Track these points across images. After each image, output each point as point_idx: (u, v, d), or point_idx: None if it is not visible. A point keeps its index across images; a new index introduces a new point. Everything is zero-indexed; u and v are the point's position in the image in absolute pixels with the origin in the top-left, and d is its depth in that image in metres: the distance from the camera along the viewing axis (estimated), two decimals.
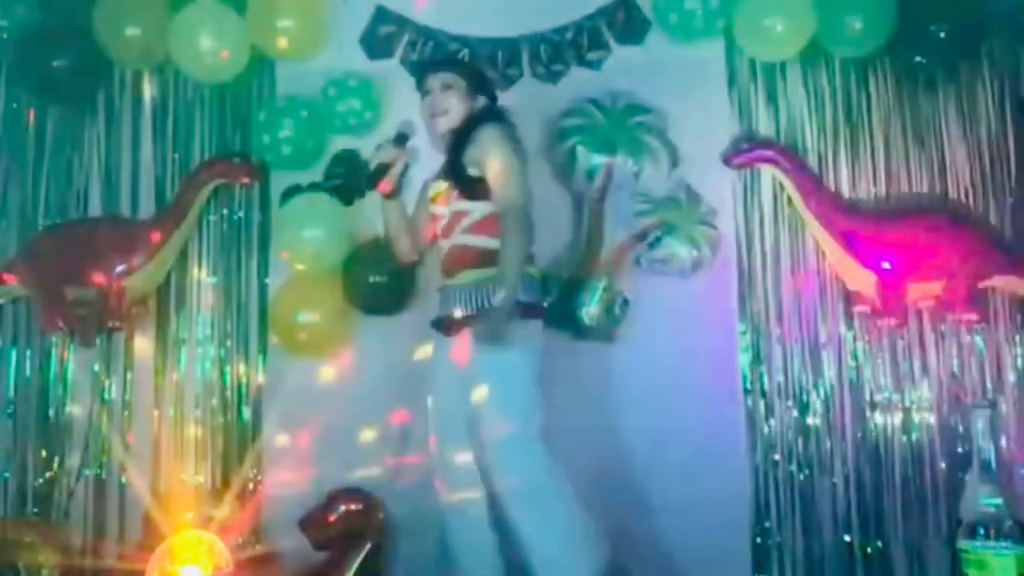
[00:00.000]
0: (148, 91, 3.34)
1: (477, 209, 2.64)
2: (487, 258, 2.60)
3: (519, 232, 2.56)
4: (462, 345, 2.59)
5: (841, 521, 3.09)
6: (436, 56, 3.23)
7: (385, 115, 3.22)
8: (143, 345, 3.25)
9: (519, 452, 2.50)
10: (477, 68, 2.97)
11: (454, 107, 2.72)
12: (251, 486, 3.12)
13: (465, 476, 2.63)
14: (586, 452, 2.84)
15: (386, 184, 2.72)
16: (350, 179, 3.21)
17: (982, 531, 1.74)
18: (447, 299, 2.69)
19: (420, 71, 2.90)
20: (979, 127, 3.23)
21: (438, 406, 2.71)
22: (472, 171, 2.63)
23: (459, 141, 2.68)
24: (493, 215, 2.62)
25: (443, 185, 2.73)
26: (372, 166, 2.72)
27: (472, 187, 2.63)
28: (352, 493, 2.99)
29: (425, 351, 2.83)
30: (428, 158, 2.86)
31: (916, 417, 3.13)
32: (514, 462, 2.51)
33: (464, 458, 2.62)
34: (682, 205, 3.12)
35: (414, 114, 3.18)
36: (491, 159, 2.61)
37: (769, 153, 3.18)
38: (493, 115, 2.75)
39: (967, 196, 3.20)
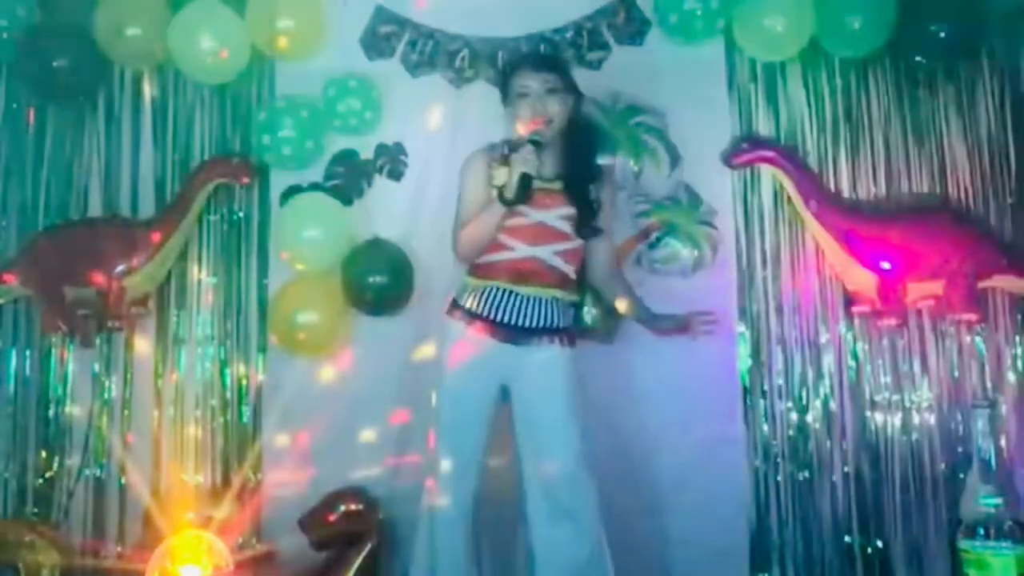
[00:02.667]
0: (148, 91, 3.33)
1: (579, 241, 2.66)
2: (564, 282, 2.65)
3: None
4: (542, 354, 2.61)
5: (841, 521, 3.09)
6: (436, 53, 3.23)
7: (385, 115, 3.21)
8: (143, 345, 3.25)
9: (583, 473, 2.57)
10: (567, 64, 2.92)
11: (557, 114, 2.59)
12: (251, 486, 3.12)
13: (466, 479, 2.63)
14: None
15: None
16: (350, 179, 3.22)
17: (982, 531, 1.74)
18: (512, 304, 2.60)
19: (513, 66, 2.69)
20: (979, 127, 3.23)
21: (457, 404, 2.63)
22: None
23: (589, 170, 2.67)
24: (582, 248, 2.67)
25: (553, 187, 2.62)
26: (515, 177, 2.51)
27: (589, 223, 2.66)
28: (352, 493, 2.99)
29: (430, 348, 2.82)
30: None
31: (916, 417, 3.13)
32: (578, 480, 2.56)
33: (473, 460, 2.62)
34: (682, 205, 3.13)
35: (414, 114, 3.20)
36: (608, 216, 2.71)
37: (769, 153, 3.18)
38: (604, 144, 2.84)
39: (967, 196, 3.20)
